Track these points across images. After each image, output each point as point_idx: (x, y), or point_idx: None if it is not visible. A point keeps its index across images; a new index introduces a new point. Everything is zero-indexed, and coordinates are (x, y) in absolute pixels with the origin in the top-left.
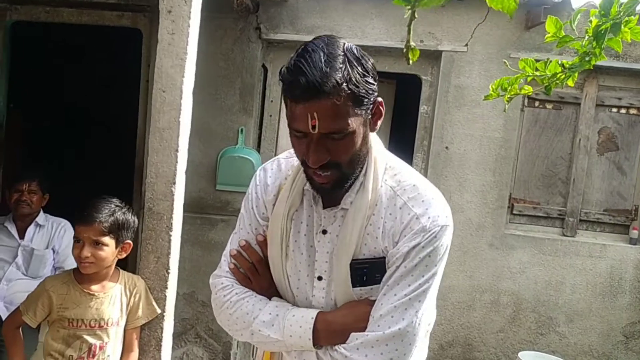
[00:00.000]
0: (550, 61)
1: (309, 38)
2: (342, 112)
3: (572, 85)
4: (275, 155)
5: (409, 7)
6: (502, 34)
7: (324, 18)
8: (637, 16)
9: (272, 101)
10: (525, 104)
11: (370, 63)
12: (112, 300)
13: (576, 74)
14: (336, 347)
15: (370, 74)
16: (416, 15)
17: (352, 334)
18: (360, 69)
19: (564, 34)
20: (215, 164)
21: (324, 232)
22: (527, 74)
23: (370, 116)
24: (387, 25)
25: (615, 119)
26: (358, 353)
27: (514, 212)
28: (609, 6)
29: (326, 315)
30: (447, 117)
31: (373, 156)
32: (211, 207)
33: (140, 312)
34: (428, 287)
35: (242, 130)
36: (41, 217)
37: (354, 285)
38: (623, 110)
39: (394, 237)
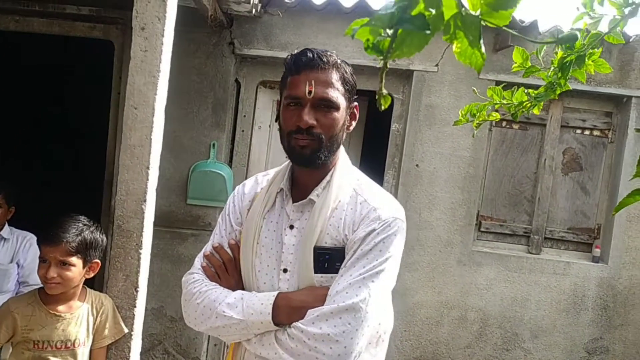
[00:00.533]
0: (517, 89)
1: (282, 54)
2: (335, 86)
3: (538, 113)
4: (247, 169)
5: (382, 57)
6: None
7: (298, 35)
8: (600, 49)
9: (244, 116)
10: (493, 123)
11: (355, 78)
12: (79, 320)
13: (542, 103)
14: (293, 323)
15: (354, 79)
16: (388, 66)
17: (309, 310)
18: (349, 69)
19: (530, 64)
20: (186, 178)
21: (291, 227)
22: (495, 101)
23: (349, 111)
24: (360, 43)
25: (580, 140)
26: (313, 326)
27: (482, 229)
28: (574, 39)
29: (287, 294)
30: (417, 136)
31: (340, 161)
32: (181, 221)
33: (106, 332)
34: (381, 270)
35: (214, 144)
36: (6, 231)
37: (315, 272)
38: (587, 132)
39: (353, 226)
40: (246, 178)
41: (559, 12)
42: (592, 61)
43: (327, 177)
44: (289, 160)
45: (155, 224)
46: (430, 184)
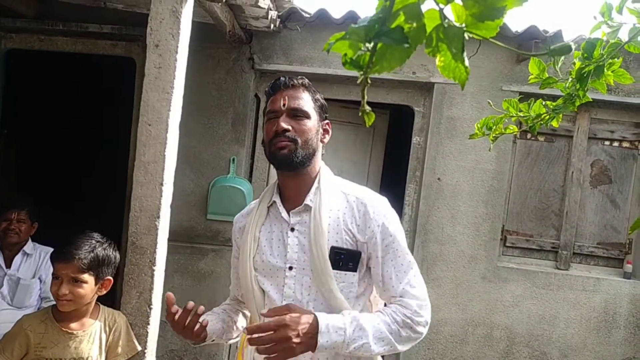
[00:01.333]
0: (535, 101)
1: (301, 68)
2: (305, 100)
3: (557, 126)
4: (266, 184)
5: (362, 72)
6: (494, 66)
7: (316, 49)
8: (620, 59)
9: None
10: (518, 136)
11: (325, 102)
12: (92, 338)
13: (560, 115)
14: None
15: (324, 102)
16: (369, 81)
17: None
18: (319, 96)
19: (547, 75)
20: (206, 193)
21: (292, 229)
22: (511, 114)
23: (321, 126)
24: None
25: (608, 151)
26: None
27: (507, 244)
28: (592, 49)
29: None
30: (439, 149)
31: (323, 170)
32: (202, 236)
33: (119, 349)
34: (406, 252)
35: (233, 159)
36: (29, 246)
37: (333, 268)
38: (616, 143)
39: (356, 221)
40: None
41: (584, 22)
42: (612, 71)
43: (315, 184)
44: (275, 180)
45: (176, 239)
46: (453, 197)
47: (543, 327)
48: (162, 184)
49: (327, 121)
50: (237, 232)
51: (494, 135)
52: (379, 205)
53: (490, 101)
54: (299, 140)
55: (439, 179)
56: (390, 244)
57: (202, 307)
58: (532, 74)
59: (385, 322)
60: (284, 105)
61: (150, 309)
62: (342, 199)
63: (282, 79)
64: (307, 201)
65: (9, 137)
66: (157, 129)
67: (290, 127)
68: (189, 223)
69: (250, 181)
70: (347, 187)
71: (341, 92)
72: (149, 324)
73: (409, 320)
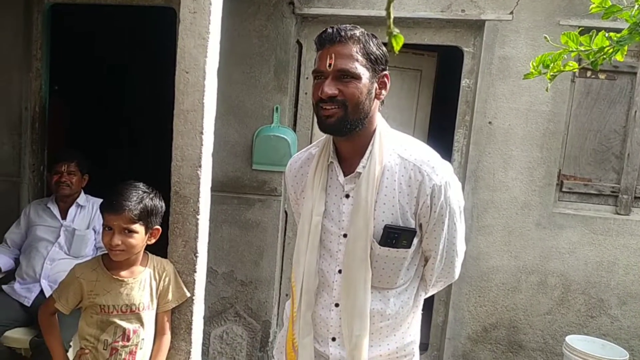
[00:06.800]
0: (597, 34)
1: (343, 11)
2: (354, 57)
3: (622, 59)
4: (311, 132)
5: None
6: None
7: None
8: None
9: (307, 78)
10: (577, 74)
11: (384, 49)
12: (142, 285)
13: (625, 48)
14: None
15: (382, 50)
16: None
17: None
18: (375, 42)
19: (610, 3)
20: (250, 143)
21: (347, 196)
22: (571, 48)
23: (376, 80)
24: None
25: None
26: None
27: (563, 189)
28: None
29: None
30: (490, 91)
31: (379, 131)
32: (248, 187)
33: (170, 296)
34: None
35: (277, 108)
36: (82, 198)
37: (382, 245)
38: None
39: (410, 196)
40: (311, 141)
41: None
42: None
43: (369, 148)
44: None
45: (223, 190)
46: (505, 142)
47: (601, 274)
48: (202, 133)
49: (384, 72)
50: (293, 178)
51: (551, 73)
52: (439, 173)
53: (546, 36)
54: (348, 105)
55: (490, 122)
56: (444, 215)
57: None
58: (593, 3)
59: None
60: (329, 65)
61: (197, 257)
62: (398, 165)
63: (329, 31)
64: (360, 168)
65: (59, 93)
66: (194, 76)
67: (336, 92)
68: (235, 173)
69: (295, 130)
70: (406, 150)
71: (386, 34)
72: (195, 271)
73: (442, 284)
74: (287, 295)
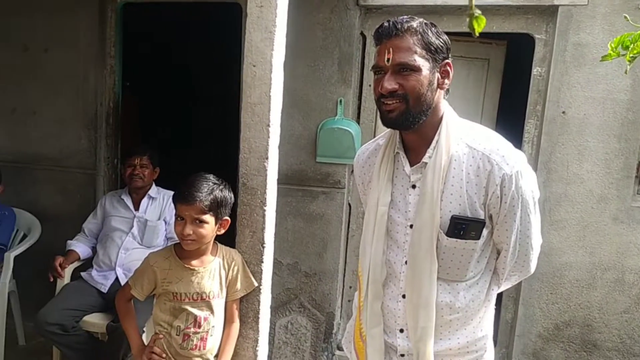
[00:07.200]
0: None
1: (408, 1)
2: (412, 50)
3: None
4: (374, 125)
5: None
6: None
7: None
8: None
9: (371, 70)
10: None
11: (445, 37)
12: (212, 274)
13: None
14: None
15: (442, 39)
16: None
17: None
18: (435, 31)
19: None
20: (314, 136)
21: (413, 186)
22: None
23: (438, 70)
24: None
25: None
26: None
27: None
28: None
29: None
30: (564, 79)
31: (445, 120)
32: (312, 179)
33: (238, 285)
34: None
35: (341, 101)
36: (153, 190)
37: (450, 236)
38: None
39: (479, 186)
40: (374, 134)
41: None
42: None
43: (436, 137)
44: None
45: (287, 182)
46: (580, 132)
47: None
48: (268, 125)
49: (447, 61)
50: (361, 169)
51: (631, 55)
52: (509, 162)
53: (626, 15)
54: (410, 99)
55: (563, 112)
56: (516, 206)
57: None
58: None
59: None
60: (388, 60)
61: (264, 247)
62: (466, 154)
63: (386, 25)
64: (426, 158)
65: (131, 89)
66: (261, 69)
67: (396, 87)
68: (299, 166)
69: (358, 122)
70: (475, 139)
71: (452, 23)
72: (262, 261)
73: (516, 278)
74: (350, 287)
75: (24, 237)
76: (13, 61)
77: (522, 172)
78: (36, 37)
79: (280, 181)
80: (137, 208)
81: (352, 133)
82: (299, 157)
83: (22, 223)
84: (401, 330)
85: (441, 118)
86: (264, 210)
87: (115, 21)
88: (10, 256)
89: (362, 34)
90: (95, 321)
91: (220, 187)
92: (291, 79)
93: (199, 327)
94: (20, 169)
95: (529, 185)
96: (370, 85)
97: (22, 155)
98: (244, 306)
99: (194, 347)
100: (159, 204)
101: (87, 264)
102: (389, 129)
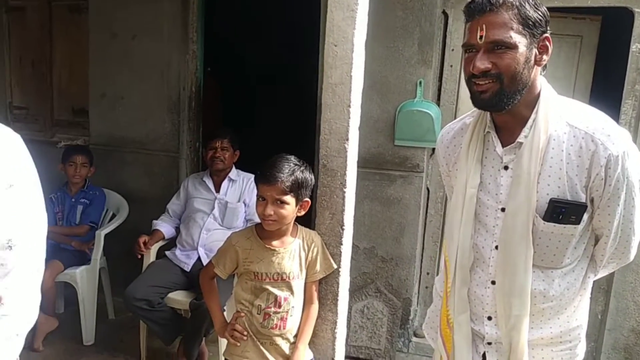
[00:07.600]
0: None
1: None
2: (507, 26)
3: None
4: (455, 107)
5: None
6: None
7: None
8: None
9: (453, 50)
10: None
11: (544, 9)
12: (292, 255)
13: None
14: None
15: (541, 11)
16: None
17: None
18: (533, 2)
19: None
20: (393, 119)
21: (506, 167)
22: None
23: (536, 46)
24: None
25: None
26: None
27: None
28: None
29: None
30: None
31: (543, 97)
32: (390, 162)
33: (318, 267)
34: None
35: (420, 82)
36: (233, 173)
37: (547, 220)
38: None
39: (581, 167)
40: (455, 116)
41: None
42: None
43: (532, 116)
44: None
45: (365, 165)
46: None
47: None
48: (349, 106)
49: (545, 35)
50: (445, 149)
51: None
52: (615, 141)
53: None
54: (504, 78)
55: None
56: (620, 188)
57: None
58: None
59: None
60: (480, 37)
61: (343, 229)
62: (567, 134)
63: (478, 0)
64: (521, 138)
65: (212, 74)
66: (342, 49)
67: (489, 66)
68: (377, 149)
69: (439, 105)
70: (575, 117)
71: None
72: (341, 244)
73: (614, 266)
74: (428, 274)
75: (113, 216)
76: (103, 48)
77: (629, 153)
78: (125, 25)
79: (357, 164)
80: (218, 190)
81: (432, 115)
82: (377, 140)
83: (111, 203)
84: (489, 318)
85: (538, 95)
86: (344, 192)
87: (197, 7)
88: (101, 234)
89: (444, 12)
90: (179, 298)
91: (302, 168)
92: (370, 61)
93: (279, 307)
94: (110, 152)
95: (636, 166)
96: (451, 66)
97: (111, 139)
98: (322, 288)
99: (274, 326)
100: (239, 186)
101: (171, 243)
102: (477, 114)
